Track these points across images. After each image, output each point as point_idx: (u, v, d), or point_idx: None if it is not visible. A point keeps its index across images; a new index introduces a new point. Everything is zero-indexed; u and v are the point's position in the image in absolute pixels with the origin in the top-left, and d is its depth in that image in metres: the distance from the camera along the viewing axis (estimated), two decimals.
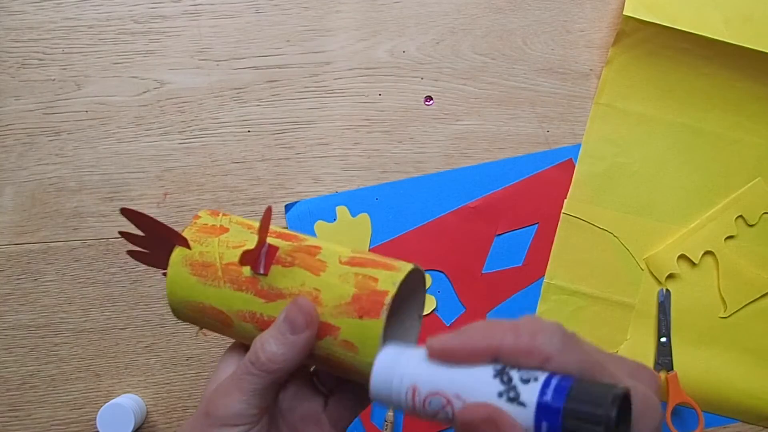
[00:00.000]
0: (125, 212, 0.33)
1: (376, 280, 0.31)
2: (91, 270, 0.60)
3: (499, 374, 0.26)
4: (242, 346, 0.36)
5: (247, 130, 0.61)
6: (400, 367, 0.28)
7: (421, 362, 0.28)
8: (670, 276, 0.60)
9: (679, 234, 0.60)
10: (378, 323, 0.30)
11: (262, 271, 0.33)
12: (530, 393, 0.25)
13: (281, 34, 0.61)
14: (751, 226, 0.60)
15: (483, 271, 0.60)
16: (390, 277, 0.31)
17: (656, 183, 0.61)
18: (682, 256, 0.60)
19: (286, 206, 0.60)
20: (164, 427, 0.59)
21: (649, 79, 0.61)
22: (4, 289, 0.60)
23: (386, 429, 0.58)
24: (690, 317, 0.60)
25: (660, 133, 0.61)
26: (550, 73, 0.61)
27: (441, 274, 0.60)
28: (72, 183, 0.60)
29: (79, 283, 0.59)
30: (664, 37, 0.59)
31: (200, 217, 0.36)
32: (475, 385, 0.26)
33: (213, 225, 0.35)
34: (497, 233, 0.60)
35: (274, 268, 0.33)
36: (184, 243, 0.34)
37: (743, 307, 0.60)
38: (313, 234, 0.60)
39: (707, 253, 0.60)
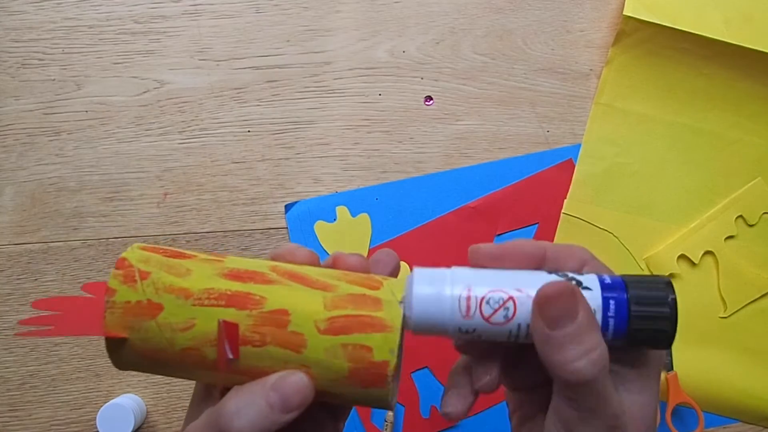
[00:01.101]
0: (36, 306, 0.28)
1: (369, 349, 0.27)
2: (91, 270, 0.60)
3: (553, 272, 0.27)
4: (203, 396, 0.31)
5: (247, 130, 0.61)
6: (447, 281, 0.27)
7: (467, 272, 0.27)
8: (670, 276, 0.60)
9: (679, 234, 0.60)
10: (386, 391, 0.27)
11: (230, 356, 0.27)
12: (591, 281, 0.27)
13: (281, 34, 0.61)
14: (751, 226, 0.60)
15: None
16: (384, 342, 0.27)
17: (656, 183, 0.61)
18: (682, 256, 0.60)
19: (286, 206, 0.60)
20: (164, 427, 0.59)
21: (649, 79, 0.61)
22: (5, 289, 0.60)
23: (386, 429, 0.58)
24: (690, 317, 0.60)
25: (660, 133, 0.61)
26: (550, 73, 0.61)
27: None
28: (72, 183, 0.60)
29: (79, 283, 0.59)
30: (664, 37, 0.59)
31: (115, 291, 0.27)
32: (535, 280, 0.26)
33: (138, 302, 0.27)
34: (497, 233, 0.60)
35: (245, 350, 0.27)
36: (119, 339, 0.27)
37: (743, 307, 0.60)
38: (313, 234, 0.60)
39: (707, 253, 0.60)
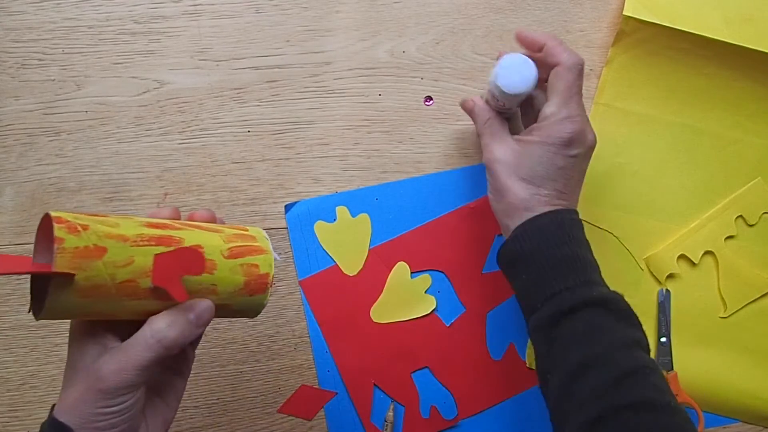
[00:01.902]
0: None
1: (257, 266, 0.41)
2: None
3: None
4: (88, 333, 0.38)
5: (247, 130, 0.61)
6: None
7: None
8: (670, 276, 0.60)
9: (679, 234, 0.60)
10: (264, 297, 0.42)
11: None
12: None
13: (281, 34, 0.61)
14: (751, 226, 0.60)
15: (483, 271, 0.60)
16: (266, 260, 0.41)
17: (656, 183, 0.61)
18: (682, 256, 0.60)
19: (285, 206, 0.60)
20: None
21: (649, 79, 0.61)
22: (5, 290, 0.60)
23: (386, 429, 0.58)
24: (690, 317, 0.60)
25: (660, 133, 0.61)
26: None
27: (441, 274, 0.60)
28: (72, 183, 0.60)
29: None
30: (664, 37, 0.59)
31: (63, 240, 0.33)
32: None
33: (86, 246, 0.34)
34: (497, 233, 0.60)
35: None
36: (68, 277, 0.33)
37: (743, 307, 0.60)
38: (313, 234, 0.60)
39: (707, 253, 0.60)
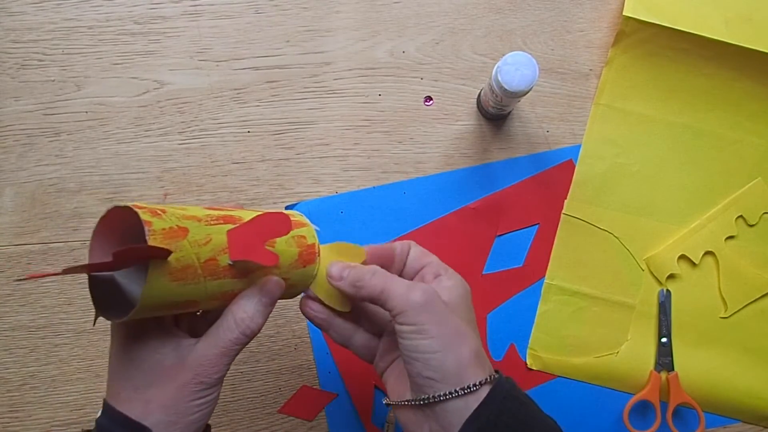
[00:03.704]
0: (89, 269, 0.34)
1: (304, 237, 0.43)
2: None
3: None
4: (159, 331, 0.39)
5: (247, 130, 0.61)
6: None
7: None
8: (671, 276, 0.60)
9: (680, 234, 0.60)
10: (315, 267, 0.43)
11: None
12: None
13: (281, 35, 0.61)
14: (752, 226, 0.60)
15: (483, 272, 0.60)
16: (309, 231, 0.44)
17: (656, 183, 0.61)
18: (682, 257, 0.60)
19: (286, 207, 0.60)
20: None
21: (649, 80, 0.61)
22: (5, 290, 0.60)
23: (387, 429, 0.58)
24: (690, 317, 0.60)
25: (660, 133, 0.61)
26: (550, 73, 0.61)
27: None
28: (72, 184, 0.60)
29: (80, 283, 0.59)
30: (664, 38, 0.59)
31: (151, 222, 0.33)
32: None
33: (171, 227, 0.34)
34: (497, 234, 0.60)
35: None
36: (165, 253, 0.33)
37: (744, 307, 0.60)
38: None
39: (707, 253, 0.60)
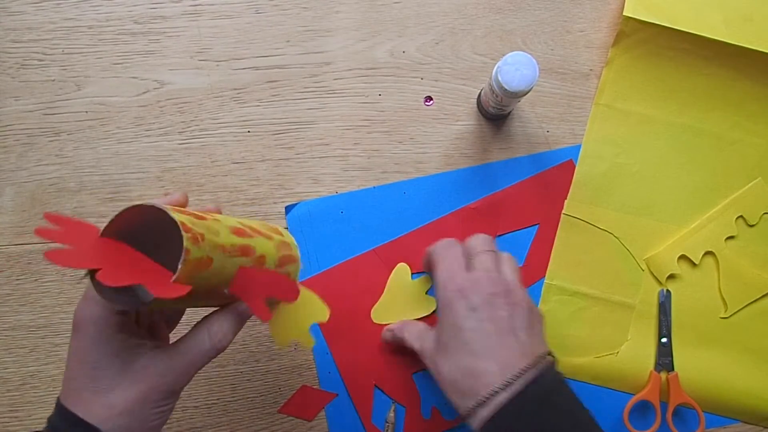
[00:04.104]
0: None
1: (290, 274, 0.45)
2: None
3: None
4: (132, 335, 0.39)
5: (247, 130, 0.61)
6: None
7: None
8: (671, 276, 0.60)
9: (680, 234, 0.60)
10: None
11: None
12: None
13: (281, 35, 0.61)
14: (752, 226, 0.60)
15: None
16: (296, 269, 0.47)
17: (656, 183, 0.61)
18: (682, 257, 0.60)
19: (286, 208, 0.60)
20: (164, 428, 0.59)
21: (649, 80, 0.61)
22: (4, 290, 0.60)
23: (387, 430, 0.58)
24: (690, 318, 0.60)
25: (660, 133, 0.61)
26: (550, 73, 0.61)
27: None
28: (72, 183, 0.60)
29: (80, 283, 0.59)
30: (664, 38, 0.59)
31: (190, 251, 0.33)
32: None
33: (202, 258, 0.34)
34: (497, 234, 0.60)
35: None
36: (185, 289, 0.33)
37: (744, 307, 0.60)
38: (313, 235, 0.60)
39: (708, 253, 0.60)
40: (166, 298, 0.31)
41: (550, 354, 0.47)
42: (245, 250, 0.39)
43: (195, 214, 0.36)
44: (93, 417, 0.36)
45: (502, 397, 0.43)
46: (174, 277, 0.33)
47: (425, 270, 0.57)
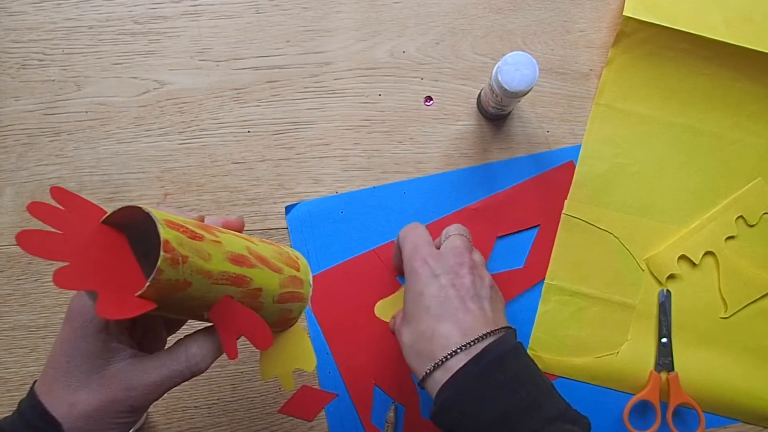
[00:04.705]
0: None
1: (291, 311, 0.43)
2: None
3: None
4: (114, 339, 0.37)
5: (247, 130, 0.61)
6: None
7: None
8: (671, 276, 0.60)
9: (680, 234, 0.60)
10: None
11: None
12: None
13: (281, 35, 0.61)
14: (752, 226, 0.60)
15: None
16: (300, 308, 0.44)
17: (656, 183, 0.61)
18: (682, 257, 0.60)
19: (286, 208, 0.60)
20: (164, 428, 0.59)
21: (649, 80, 0.61)
22: (5, 290, 0.60)
23: (387, 430, 0.58)
24: (691, 318, 0.60)
25: (660, 133, 0.61)
26: (550, 73, 0.61)
27: None
28: (72, 184, 0.60)
29: None
30: (664, 38, 0.59)
31: (163, 272, 0.31)
32: None
33: (177, 280, 0.32)
34: (498, 235, 0.60)
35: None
36: (150, 305, 0.32)
37: (744, 307, 0.60)
38: (313, 235, 0.60)
39: (708, 253, 0.60)
40: (109, 316, 0.29)
41: (511, 328, 0.47)
42: (238, 280, 0.36)
43: (193, 231, 0.34)
44: (56, 411, 0.35)
45: (460, 360, 0.43)
46: (138, 293, 0.31)
47: (395, 258, 0.56)
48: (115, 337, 0.37)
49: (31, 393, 0.37)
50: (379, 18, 0.61)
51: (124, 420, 0.37)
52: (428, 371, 0.44)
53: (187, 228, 0.34)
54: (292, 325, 0.44)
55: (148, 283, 0.31)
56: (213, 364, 0.59)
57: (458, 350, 0.43)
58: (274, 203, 0.60)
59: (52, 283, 0.59)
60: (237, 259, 0.37)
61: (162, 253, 0.31)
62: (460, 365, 0.42)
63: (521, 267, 0.60)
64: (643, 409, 0.59)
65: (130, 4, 0.61)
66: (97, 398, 0.36)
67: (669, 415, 0.58)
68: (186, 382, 0.61)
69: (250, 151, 0.60)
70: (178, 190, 0.60)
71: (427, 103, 0.61)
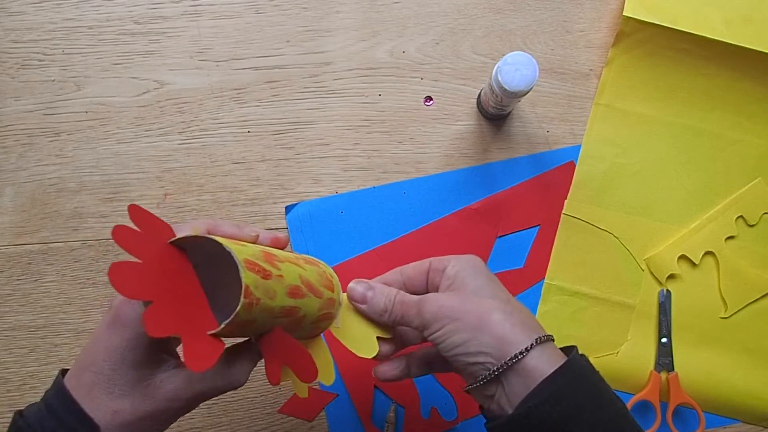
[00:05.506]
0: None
1: (320, 329, 0.44)
2: (91, 271, 0.60)
3: None
4: (163, 352, 0.38)
5: (247, 130, 0.61)
6: None
7: None
8: (671, 276, 0.60)
9: (680, 234, 0.60)
10: (331, 322, 0.45)
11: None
12: None
13: (281, 35, 0.61)
14: (752, 226, 0.60)
15: None
16: (328, 325, 0.44)
17: (656, 183, 0.61)
18: (682, 257, 0.60)
19: (286, 208, 0.60)
20: None
21: (649, 80, 0.61)
22: (5, 290, 0.60)
23: (387, 430, 0.58)
24: (691, 318, 0.60)
25: (660, 133, 0.61)
26: (550, 73, 0.61)
27: None
28: (72, 184, 0.60)
29: (79, 283, 0.59)
30: (664, 38, 0.59)
31: (238, 314, 0.33)
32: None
33: (248, 320, 0.34)
34: (498, 235, 0.60)
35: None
36: (220, 345, 0.33)
37: (744, 307, 0.60)
38: (313, 235, 0.60)
39: (708, 253, 0.60)
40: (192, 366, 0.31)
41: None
42: (291, 312, 0.37)
43: (263, 269, 0.35)
44: (97, 416, 0.35)
45: (546, 359, 0.38)
46: (212, 331, 0.32)
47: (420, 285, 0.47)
48: (164, 348, 0.38)
49: (61, 389, 0.36)
50: (379, 18, 0.61)
51: (159, 429, 0.37)
52: (535, 342, 0.38)
53: (260, 267, 0.35)
54: (316, 336, 0.44)
55: (222, 326, 0.32)
56: None
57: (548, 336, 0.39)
58: (274, 203, 0.60)
59: (51, 284, 0.59)
60: (293, 292, 0.37)
61: (242, 299, 0.32)
62: (558, 355, 0.38)
63: (521, 267, 0.60)
64: (643, 409, 0.59)
65: (130, 4, 0.61)
66: (142, 408, 0.36)
67: (669, 415, 0.58)
68: None
69: (250, 151, 0.60)
70: (178, 190, 0.60)
71: (427, 103, 0.61)
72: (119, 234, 0.32)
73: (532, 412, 0.36)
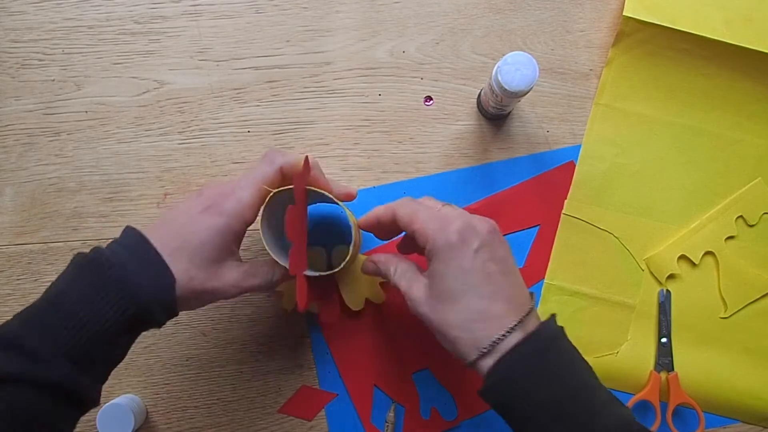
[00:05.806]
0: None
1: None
2: None
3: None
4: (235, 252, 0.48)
5: (247, 130, 0.61)
6: None
7: None
8: (671, 276, 0.60)
9: (680, 234, 0.60)
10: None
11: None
12: None
13: (281, 34, 0.61)
14: (752, 226, 0.60)
15: None
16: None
17: (656, 183, 0.61)
18: (682, 257, 0.60)
19: None
20: (164, 428, 0.59)
21: (649, 80, 0.61)
22: (5, 290, 0.60)
23: (387, 430, 0.58)
24: (690, 318, 0.60)
25: (660, 133, 0.61)
26: (550, 73, 0.61)
27: None
28: (72, 183, 0.60)
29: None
30: (664, 38, 0.59)
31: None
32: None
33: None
34: None
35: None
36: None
37: (744, 307, 0.60)
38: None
39: (707, 253, 0.60)
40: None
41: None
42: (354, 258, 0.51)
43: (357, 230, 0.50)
44: (175, 272, 0.42)
45: (515, 337, 0.42)
46: (330, 272, 0.50)
47: (384, 230, 0.50)
48: (236, 244, 0.46)
49: (147, 244, 0.42)
50: (379, 18, 0.61)
51: (203, 305, 0.46)
52: (484, 352, 0.42)
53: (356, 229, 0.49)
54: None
55: (337, 269, 0.50)
56: (213, 364, 0.59)
57: (513, 328, 0.42)
58: None
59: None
60: (358, 245, 0.50)
61: (351, 250, 0.49)
62: (515, 342, 0.42)
63: (521, 267, 0.60)
64: (643, 409, 0.59)
65: (130, 4, 0.61)
66: (210, 283, 0.44)
67: (669, 415, 0.58)
68: (186, 382, 0.61)
69: (250, 151, 0.60)
70: (178, 190, 0.60)
71: (427, 103, 0.61)
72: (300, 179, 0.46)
73: (485, 393, 0.44)
